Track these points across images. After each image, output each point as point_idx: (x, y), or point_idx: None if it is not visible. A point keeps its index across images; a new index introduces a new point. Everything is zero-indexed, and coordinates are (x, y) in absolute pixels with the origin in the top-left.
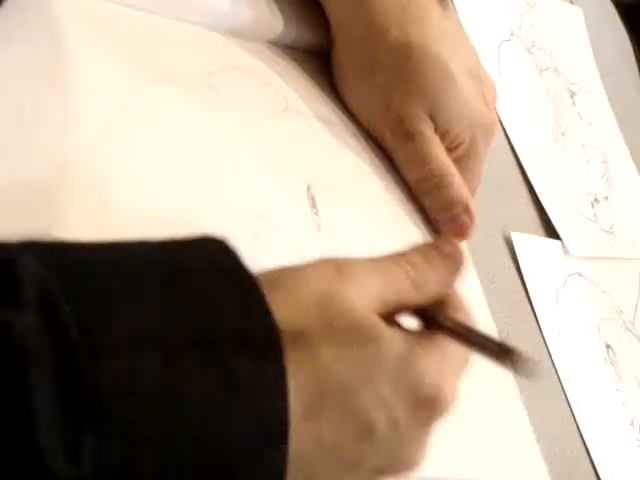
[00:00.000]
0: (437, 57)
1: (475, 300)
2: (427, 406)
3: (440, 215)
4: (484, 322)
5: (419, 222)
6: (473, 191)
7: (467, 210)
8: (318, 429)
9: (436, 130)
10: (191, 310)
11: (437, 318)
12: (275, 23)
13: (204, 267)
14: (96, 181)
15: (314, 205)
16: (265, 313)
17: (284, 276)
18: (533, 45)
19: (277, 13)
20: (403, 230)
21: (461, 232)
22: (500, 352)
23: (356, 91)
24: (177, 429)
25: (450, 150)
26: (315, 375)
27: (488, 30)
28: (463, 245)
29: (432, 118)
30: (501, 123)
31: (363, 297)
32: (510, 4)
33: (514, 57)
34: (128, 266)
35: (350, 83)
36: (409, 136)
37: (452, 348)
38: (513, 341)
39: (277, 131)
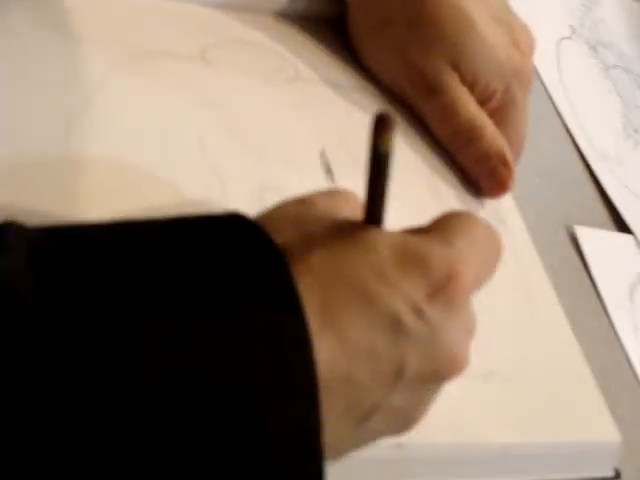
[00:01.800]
0: (451, 3)
1: (543, 289)
2: (445, 288)
3: (476, 170)
4: (557, 319)
5: (443, 185)
6: (519, 145)
7: (504, 161)
8: (343, 333)
9: (463, 81)
10: (200, 268)
11: None
12: None
13: (210, 231)
14: (86, 156)
15: (329, 170)
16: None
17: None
18: (597, 43)
19: None
20: (426, 194)
21: (500, 186)
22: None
23: (372, 50)
24: (192, 380)
25: (483, 102)
26: (318, 279)
27: (546, 27)
28: (528, 238)
29: (456, 68)
30: (560, 117)
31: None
32: (569, 2)
33: (576, 54)
34: (127, 232)
35: (366, 42)
36: (433, 90)
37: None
38: (585, 337)
39: (283, 99)
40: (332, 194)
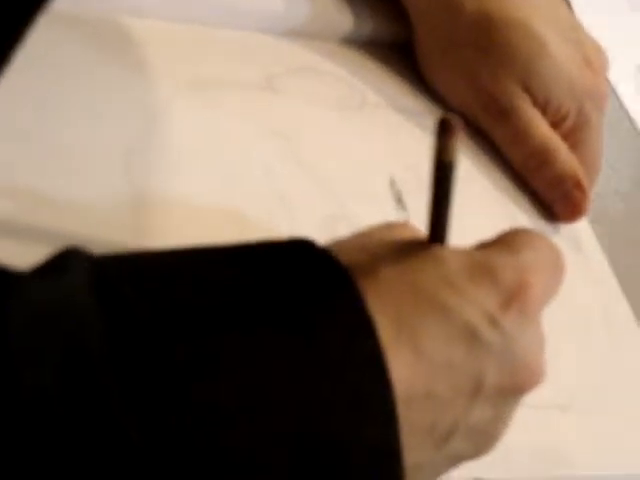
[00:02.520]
0: (520, 23)
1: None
2: (517, 297)
3: (550, 194)
4: (635, 339)
5: (517, 209)
6: (594, 168)
7: (578, 184)
8: (418, 347)
9: (535, 103)
10: (269, 291)
11: None
12: (344, 19)
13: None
14: (149, 186)
15: (400, 200)
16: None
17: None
18: None
19: (346, 9)
20: (500, 219)
21: (575, 209)
22: None
23: (441, 74)
24: (267, 409)
25: (556, 124)
26: (388, 294)
27: (625, 52)
28: (606, 263)
29: (527, 90)
30: None
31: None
32: None
33: None
34: (194, 257)
35: (434, 66)
36: (505, 114)
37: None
38: None
39: (351, 126)
40: (391, 224)
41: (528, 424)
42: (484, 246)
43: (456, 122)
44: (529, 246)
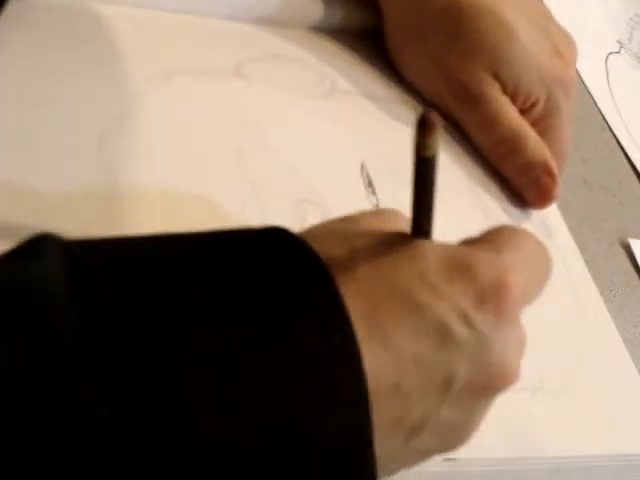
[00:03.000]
0: (490, 10)
1: (593, 301)
2: (493, 296)
3: (519, 180)
4: (607, 331)
5: (487, 197)
6: (563, 154)
7: (548, 171)
8: (390, 342)
9: (504, 90)
10: (243, 279)
11: None
12: (315, 7)
13: (255, 245)
14: (120, 172)
15: (370, 184)
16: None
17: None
18: None
19: None
20: (471, 206)
21: (545, 196)
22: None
23: (411, 61)
24: (236, 394)
25: (525, 111)
26: (363, 289)
27: (594, 43)
28: (575, 249)
29: (496, 77)
30: (612, 131)
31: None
32: (617, 17)
33: (625, 69)
34: (166, 244)
35: (404, 54)
36: (474, 100)
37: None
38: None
39: (321, 113)
40: (377, 212)
41: (498, 407)
42: (468, 242)
43: (436, 118)
44: (512, 245)
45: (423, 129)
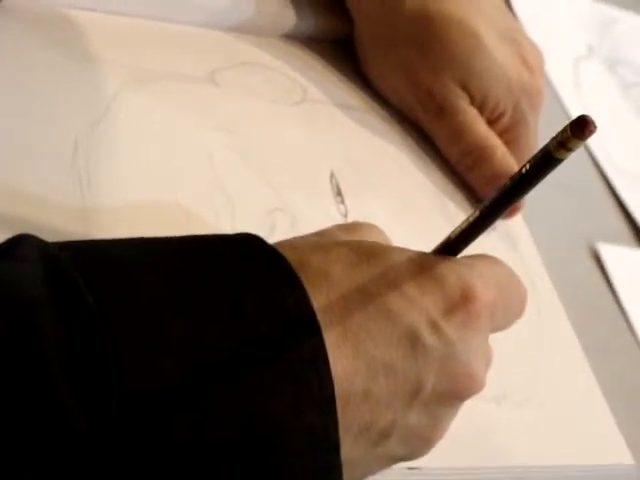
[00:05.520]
0: (459, 22)
1: (556, 313)
2: (461, 307)
3: (486, 191)
4: (566, 334)
5: (452, 205)
6: None
7: None
8: (360, 348)
9: (472, 101)
10: (215, 281)
11: None
12: (287, 16)
13: (228, 249)
14: (94, 177)
15: (339, 193)
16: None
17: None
18: (616, 62)
19: (289, 6)
20: (436, 217)
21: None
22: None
23: (381, 70)
24: (209, 394)
25: (492, 121)
26: (335, 295)
27: (563, 47)
28: (539, 261)
29: (464, 88)
30: None
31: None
32: (586, 21)
33: (594, 74)
34: (138, 246)
35: (374, 63)
36: (442, 111)
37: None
38: (611, 357)
39: (292, 120)
40: (351, 225)
41: (463, 415)
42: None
43: (593, 121)
44: (487, 263)
45: (579, 128)
